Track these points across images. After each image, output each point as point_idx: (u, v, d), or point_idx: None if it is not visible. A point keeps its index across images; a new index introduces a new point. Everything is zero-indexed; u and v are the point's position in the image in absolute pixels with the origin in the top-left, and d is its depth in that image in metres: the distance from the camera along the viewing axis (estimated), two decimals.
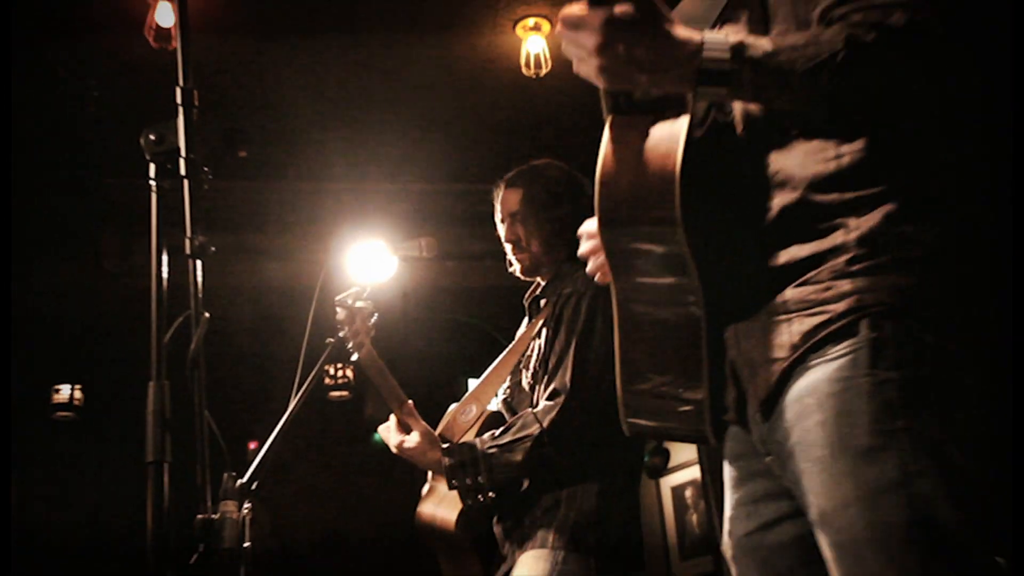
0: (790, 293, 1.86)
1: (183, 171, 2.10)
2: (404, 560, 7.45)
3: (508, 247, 3.60)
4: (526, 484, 3.34)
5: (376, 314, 3.55)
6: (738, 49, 1.74)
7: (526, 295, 3.68)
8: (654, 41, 1.74)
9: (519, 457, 3.21)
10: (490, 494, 3.30)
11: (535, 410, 3.32)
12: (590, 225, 2.17)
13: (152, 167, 2.15)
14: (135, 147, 2.23)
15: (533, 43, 5.49)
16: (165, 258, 2.13)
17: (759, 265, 1.93)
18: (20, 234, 6.82)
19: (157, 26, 5.20)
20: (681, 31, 1.75)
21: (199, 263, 2.11)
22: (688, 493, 7.24)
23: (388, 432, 3.51)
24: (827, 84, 1.73)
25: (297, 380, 3.31)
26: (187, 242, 2.09)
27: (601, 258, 2.09)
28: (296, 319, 3.45)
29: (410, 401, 3.47)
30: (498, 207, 3.62)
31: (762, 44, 1.76)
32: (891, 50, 1.74)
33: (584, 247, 2.22)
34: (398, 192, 6.78)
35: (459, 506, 3.43)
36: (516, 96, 5.83)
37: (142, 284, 2.15)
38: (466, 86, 6.07)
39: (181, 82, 2.24)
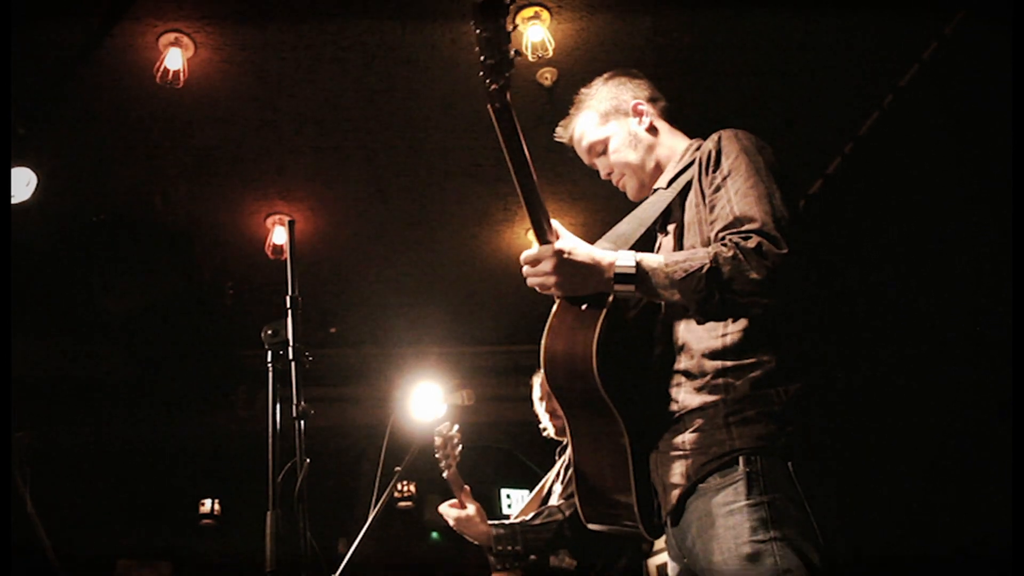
0: (687, 437, 1.94)
1: (291, 356, 2.13)
2: None
3: (545, 417, 3.63)
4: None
5: (460, 444, 3.51)
6: (639, 262, 1.87)
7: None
8: (585, 261, 1.90)
9: (547, 536, 3.22)
10: (522, 558, 3.31)
11: (558, 504, 3.34)
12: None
13: (269, 353, 2.18)
14: (258, 329, 2.26)
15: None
16: (279, 409, 2.16)
17: (667, 409, 2.00)
18: (178, 388, 6.84)
19: (274, 244, 5.29)
20: (601, 251, 1.93)
21: (302, 423, 2.11)
22: (668, 569, 6.95)
23: (448, 510, 3.45)
24: (696, 287, 1.81)
25: (375, 494, 3.26)
26: (293, 407, 2.09)
27: None
28: (372, 449, 3.40)
29: (467, 487, 3.45)
30: (537, 388, 3.64)
31: (657, 258, 1.89)
32: (743, 262, 1.80)
33: None
34: (445, 354, 6.78)
35: None
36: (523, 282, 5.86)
37: (261, 425, 2.16)
38: (495, 276, 6.10)
39: (290, 291, 2.27)
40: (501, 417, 6.57)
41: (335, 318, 6.39)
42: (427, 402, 3.81)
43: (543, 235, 1.91)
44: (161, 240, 5.41)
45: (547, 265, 1.90)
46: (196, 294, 5.98)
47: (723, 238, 1.88)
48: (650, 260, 1.87)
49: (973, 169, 4.03)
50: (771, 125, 4.60)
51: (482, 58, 1.69)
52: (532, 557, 3.41)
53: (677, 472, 1.93)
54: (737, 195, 1.93)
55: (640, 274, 1.86)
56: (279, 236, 5.28)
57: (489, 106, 1.73)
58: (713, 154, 2.05)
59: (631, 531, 2.04)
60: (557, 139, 2.46)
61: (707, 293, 1.80)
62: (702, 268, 1.80)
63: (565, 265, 1.89)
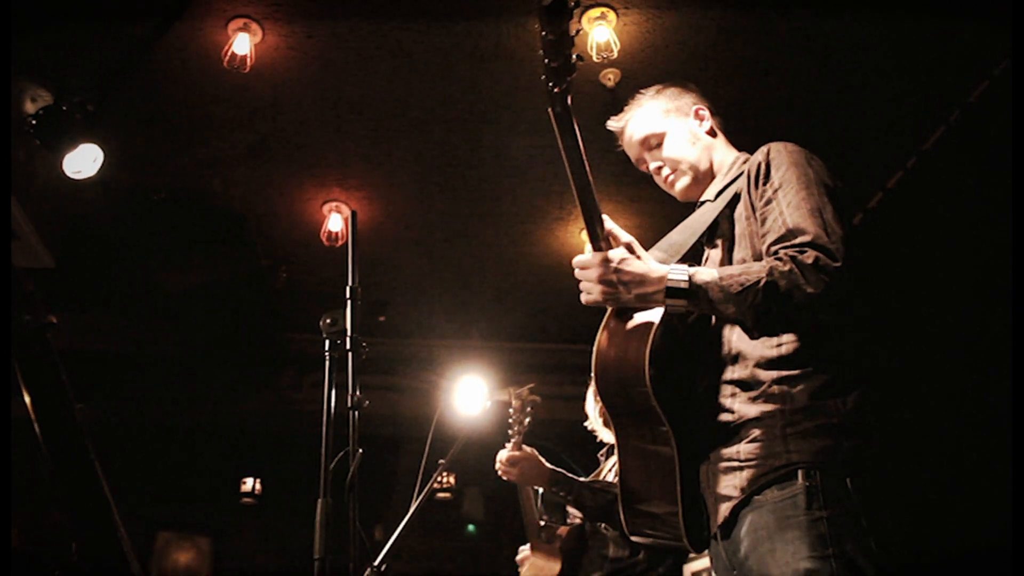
0: (742, 447, 1.90)
1: (348, 346, 2.15)
2: None
3: (596, 416, 3.59)
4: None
5: (531, 417, 3.47)
6: (692, 276, 1.85)
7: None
8: (635, 272, 1.88)
9: (602, 502, 3.13)
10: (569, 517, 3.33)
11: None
12: None
13: (327, 342, 2.21)
14: (308, 314, 2.29)
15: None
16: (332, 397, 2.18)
17: (718, 419, 1.97)
18: (227, 368, 6.93)
19: (329, 231, 5.34)
20: (654, 264, 1.90)
21: (356, 413, 2.14)
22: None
23: (503, 452, 3.36)
24: (752, 300, 1.80)
25: (418, 484, 3.26)
26: (349, 397, 2.12)
27: None
28: (413, 439, 3.41)
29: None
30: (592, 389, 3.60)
31: (710, 272, 1.87)
32: (799, 276, 1.79)
33: None
34: (491, 348, 6.79)
35: None
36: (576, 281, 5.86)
37: (307, 408, 2.20)
38: (546, 273, 6.08)
39: (350, 281, 2.29)
40: (544, 414, 6.57)
41: (384, 307, 6.42)
42: (471, 396, 3.83)
43: (596, 241, 1.90)
44: (219, 221, 5.49)
45: (592, 273, 1.90)
46: (250, 276, 6.06)
47: (776, 252, 1.86)
48: (703, 274, 1.86)
49: None
50: (833, 135, 4.55)
51: (546, 60, 1.69)
52: (577, 520, 3.38)
53: (730, 484, 1.90)
54: (789, 207, 1.92)
55: (692, 288, 1.84)
56: (335, 223, 5.33)
57: (550, 110, 1.74)
58: (763, 167, 2.04)
59: (675, 545, 2.03)
60: (608, 127, 2.45)
61: (764, 307, 1.80)
62: (759, 282, 1.79)
63: (611, 275, 1.88)
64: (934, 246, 4.58)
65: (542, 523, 3.45)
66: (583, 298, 1.94)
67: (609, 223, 1.91)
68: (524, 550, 3.51)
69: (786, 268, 1.79)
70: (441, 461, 3.42)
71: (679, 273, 1.86)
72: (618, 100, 4.25)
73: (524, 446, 3.35)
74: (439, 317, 6.71)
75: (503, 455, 3.34)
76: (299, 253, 5.86)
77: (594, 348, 1.96)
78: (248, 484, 7.98)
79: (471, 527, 7.99)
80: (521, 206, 5.41)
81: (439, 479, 7.62)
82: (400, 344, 6.95)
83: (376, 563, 2.76)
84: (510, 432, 3.40)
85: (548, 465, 3.29)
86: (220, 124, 4.76)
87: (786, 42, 4.17)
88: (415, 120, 4.71)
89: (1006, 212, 3.97)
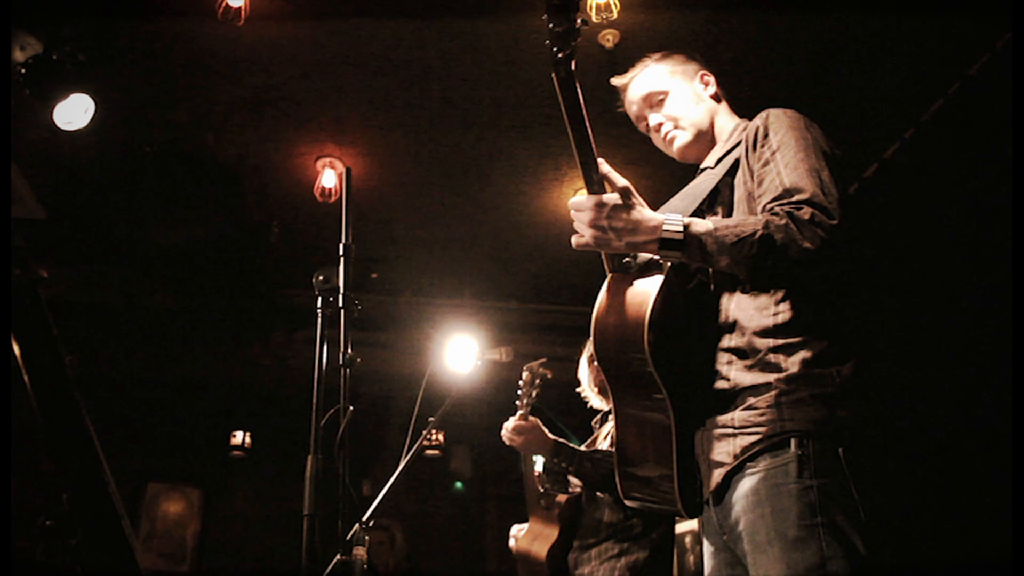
0: (737, 414, 1.90)
1: (340, 303, 2.15)
2: (465, 566, 7.69)
3: (588, 382, 3.62)
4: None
5: (537, 391, 3.47)
6: (687, 226, 1.83)
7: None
8: (628, 219, 1.83)
9: (603, 471, 3.14)
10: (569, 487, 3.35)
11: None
12: None
13: (319, 299, 2.20)
14: (300, 269, 2.28)
15: None
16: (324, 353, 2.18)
17: (715, 387, 1.97)
18: (217, 322, 6.94)
19: (323, 187, 5.30)
20: (649, 213, 1.86)
21: (348, 370, 2.13)
22: (687, 539, 7.01)
23: (508, 422, 3.39)
24: (748, 252, 1.78)
25: (407, 442, 3.28)
26: (340, 355, 2.12)
27: None
28: (403, 397, 3.40)
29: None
30: (586, 353, 3.63)
31: (705, 223, 1.84)
32: (795, 231, 1.77)
33: None
34: (483, 308, 6.79)
35: (548, 545, 3.42)
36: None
37: (296, 363, 2.20)
38: (540, 234, 6.04)
39: (343, 239, 2.27)
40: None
41: (376, 264, 6.41)
42: (462, 355, 3.83)
43: (590, 185, 1.86)
44: (211, 175, 5.45)
45: (585, 216, 1.85)
46: (242, 231, 6.04)
47: (773, 208, 1.85)
48: (698, 225, 1.83)
49: None
50: (832, 103, 4.53)
51: (550, 24, 1.67)
52: (577, 490, 3.41)
53: (724, 450, 1.91)
54: (787, 168, 1.91)
55: (688, 238, 1.81)
56: (328, 179, 5.29)
57: (553, 74, 1.72)
58: (761, 130, 2.04)
59: (669, 509, 2.04)
60: (612, 83, 2.43)
61: (758, 260, 1.78)
62: (754, 234, 1.78)
63: (603, 220, 1.83)
64: (930, 217, 4.58)
65: (542, 490, 3.48)
66: (574, 240, 1.90)
67: (605, 166, 1.86)
68: (517, 529, 3.55)
69: (782, 222, 1.78)
70: (431, 419, 3.43)
71: (674, 223, 1.82)
72: (616, 61, 4.25)
73: (530, 417, 3.39)
74: (432, 276, 6.71)
75: (509, 424, 3.37)
76: (292, 209, 5.83)
77: (594, 312, 1.95)
78: (238, 437, 8.02)
79: (459, 484, 8.06)
80: (516, 165, 5.37)
81: (428, 436, 7.71)
82: (392, 302, 6.95)
83: (364, 519, 2.77)
84: (518, 403, 3.43)
85: (551, 436, 3.32)
86: (214, 77, 4.70)
87: (788, 7, 4.12)
88: (411, 78, 4.66)
89: (1002, 185, 3.97)
